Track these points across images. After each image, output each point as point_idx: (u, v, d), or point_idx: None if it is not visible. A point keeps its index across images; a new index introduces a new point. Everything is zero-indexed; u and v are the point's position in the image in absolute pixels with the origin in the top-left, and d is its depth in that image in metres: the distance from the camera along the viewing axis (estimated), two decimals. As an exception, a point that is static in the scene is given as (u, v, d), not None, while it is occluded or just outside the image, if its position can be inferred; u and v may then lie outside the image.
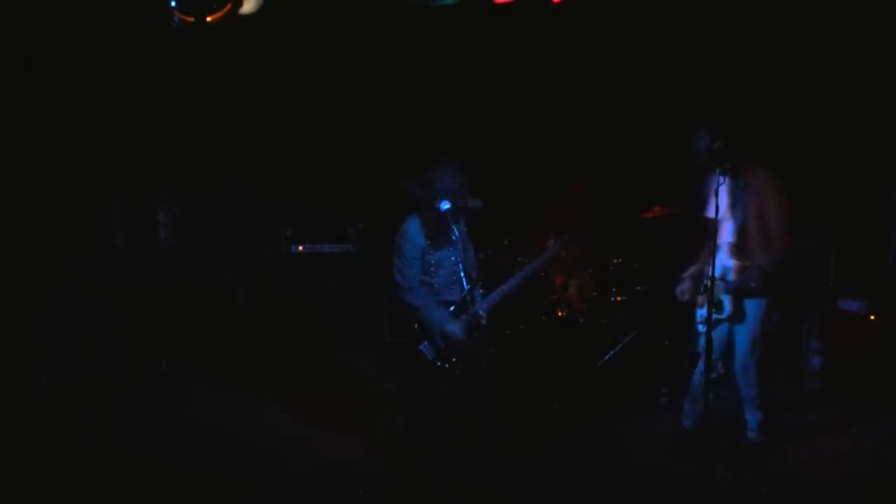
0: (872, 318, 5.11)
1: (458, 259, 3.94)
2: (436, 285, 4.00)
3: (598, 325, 5.09)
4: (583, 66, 5.99)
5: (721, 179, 3.85)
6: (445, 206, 3.79)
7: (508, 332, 5.42)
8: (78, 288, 5.57)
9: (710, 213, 3.94)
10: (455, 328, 3.91)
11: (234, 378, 5.59)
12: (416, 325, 3.97)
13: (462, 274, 3.92)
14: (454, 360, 3.98)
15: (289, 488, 4.04)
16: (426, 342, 3.96)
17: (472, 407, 4.13)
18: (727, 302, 4.01)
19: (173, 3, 4.31)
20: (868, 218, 5.63)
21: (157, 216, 5.57)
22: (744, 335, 4.07)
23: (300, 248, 6.16)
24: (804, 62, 5.48)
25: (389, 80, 6.15)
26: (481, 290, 4.18)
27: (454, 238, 3.91)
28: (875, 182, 5.57)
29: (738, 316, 4.03)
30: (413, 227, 3.98)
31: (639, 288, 5.33)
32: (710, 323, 4.03)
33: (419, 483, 4.07)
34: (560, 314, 5.03)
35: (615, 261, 5.25)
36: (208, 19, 4.28)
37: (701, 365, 4.22)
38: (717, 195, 3.79)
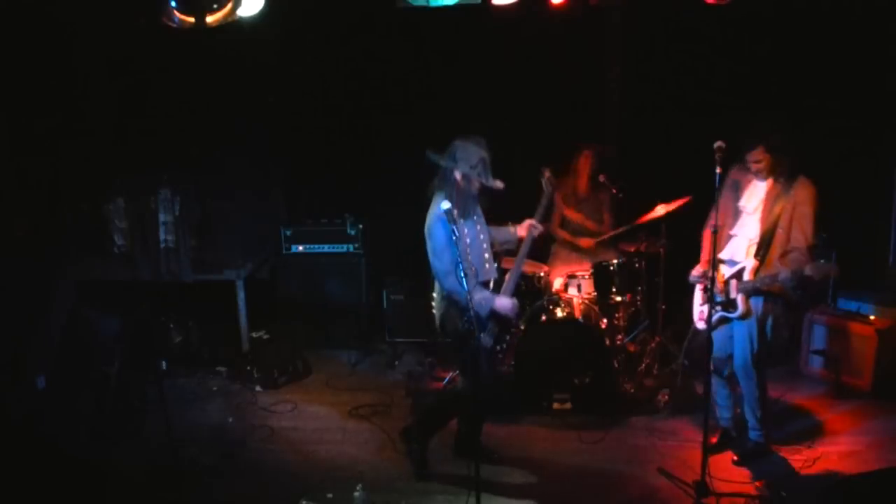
0: (873, 318, 5.11)
1: (484, 237, 3.96)
2: (471, 266, 3.82)
3: (599, 325, 5.08)
4: (581, 65, 6.01)
5: (762, 181, 3.97)
6: (446, 206, 3.73)
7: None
8: (77, 288, 5.57)
9: (747, 207, 4.01)
10: (505, 302, 3.88)
11: (234, 378, 5.60)
12: (463, 320, 3.78)
13: (489, 253, 3.95)
14: (506, 339, 4.06)
15: (289, 487, 4.05)
16: (481, 334, 3.84)
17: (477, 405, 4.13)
18: (740, 301, 4.01)
19: (173, 3, 4.30)
20: (869, 217, 5.63)
21: (158, 216, 5.56)
22: (746, 334, 4.06)
23: (300, 248, 6.17)
24: (804, 60, 5.49)
25: (390, 80, 6.16)
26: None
27: (478, 214, 3.93)
28: (876, 181, 5.58)
29: (747, 315, 4.02)
30: (441, 208, 3.75)
31: (639, 287, 5.33)
32: (711, 320, 4.04)
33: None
34: (560, 314, 5.03)
35: (615, 261, 5.24)
36: (208, 20, 4.27)
37: (727, 368, 4.24)
38: (716, 193, 3.82)
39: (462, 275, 3.59)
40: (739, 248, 4.06)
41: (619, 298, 5.25)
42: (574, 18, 5.34)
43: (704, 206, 4.06)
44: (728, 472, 4.06)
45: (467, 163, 3.79)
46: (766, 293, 3.98)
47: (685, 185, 4.86)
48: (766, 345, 4.08)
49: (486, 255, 4.01)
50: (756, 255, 3.97)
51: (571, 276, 5.37)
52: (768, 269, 3.93)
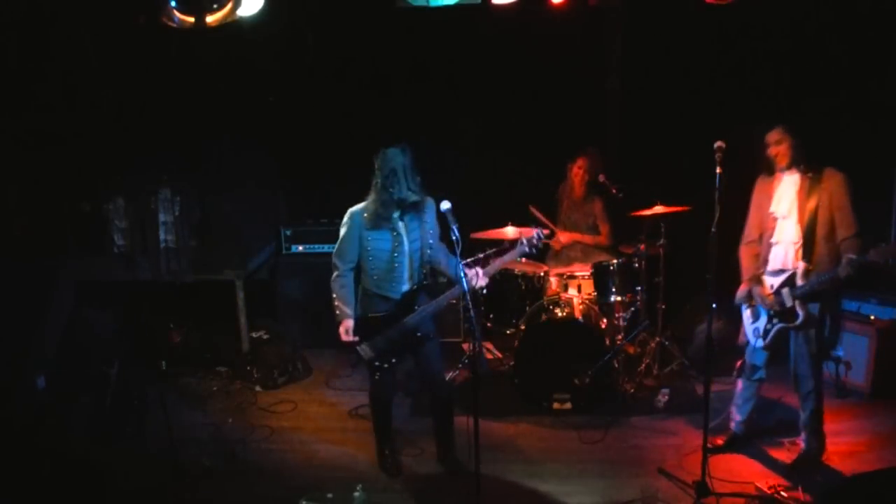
0: (873, 318, 5.10)
1: (401, 252, 3.88)
2: (373, 275, 3.94)
3: (599, 325, 5.08)
4: (581, 64, 6.01)
5: (794, 178, 3.89)
6: (446, 206, 3.64)
7: (508, 332, 5.42)
8: (77, 288, 5.57)
9: (778, 212, 3.93)
10: (342, 329, 3.93)
11: (234, 378, 5.60)
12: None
13: (405, 271, 3.89)
14: (393, 360, 4.00)
15: (289, 487, 4.04)
16: (364, 343, 3.94)
17: (434, 402, 4.17)
18: (799, 308, 3.86)
19: (173, 3, 4.30)
20: (869, 217, 5.61)
21: (158, 216, 5.57)
22: (805, 340, 3.94)
23: (300, 248, 6.17)
24: (803, 59, 5.49)
25: (390, 80, 6.16)
26: (425, 293, 4.04)
27: (394, 227, 3.86)
28: (877, 181, 5.57)
29: (811, 321, 3.88)
30: (358, 206, 3.95)
31: (639, 287, 5.33)
32: (768, 336, 4.02)
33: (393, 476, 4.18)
34: (560, 314, 5.03)
35: (614, 261, 5.24)
36: (208, 20, 4.27)
37: (761, 374, 4.21)
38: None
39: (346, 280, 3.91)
40: (783, 255, 3.94)
41: (618, 298, 5.25)
42: (574, 18, 5.34)
43: (705, 207, 4.04)
44: (728, 472, 4.05)
45: (381, 172, 3.81)
46: (822, 293, 3.85)
47: (686, 185, 4.86)
48: (823, 347, 4.00)
49: (394, 274, 3.91)
50: (804, 258, 3.85)
51: (571, 277, 5.37)
52: (820, 268, 3.80)
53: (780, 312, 3.94)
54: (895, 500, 3.37)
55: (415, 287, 3.96)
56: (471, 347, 5.39)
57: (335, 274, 3.97)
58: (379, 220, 3.86)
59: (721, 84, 5.66)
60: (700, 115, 5.53)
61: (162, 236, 5.58)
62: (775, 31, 5.48)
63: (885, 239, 5.62)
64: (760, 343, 4.07)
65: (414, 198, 3.81)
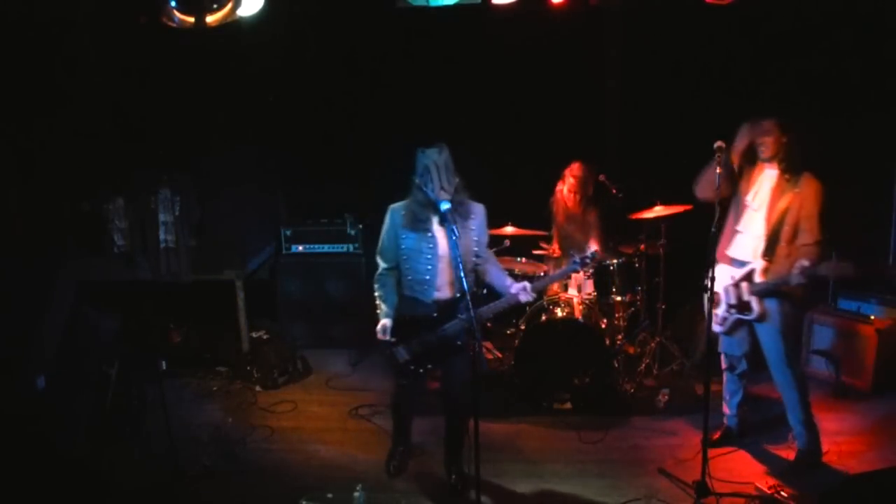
0: (873, 318, 5.11)
1: (435, 255, 3.76)
2: (408, 276, 3.84)
3: (599, 325, 5.08)
4: (581, 64, 6.02)
5: (773, 173, 3.91)
6: (445, 206, 3.63)
7: (508, 332, 5.42)
8: (77, 288, 5.57)
9: (750, 202, 3.95)
10: (378, 328, 3.83)
11: (234, 378, 5.60)
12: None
13: (438, 276, 3.78)
14: (429, 366, 3.89)
15: (289, 487, 4.04)
16: (401, 345, 3.85)
17: (450, 412, 4.09)
18: (754, 303, 3.93)
19: (173, 3, 4.30)
20: (869, 217, 5.63)
21: (158, 216, 5.57)
22: (770, 336, 3.99)
23: (300, 248, 6.16)
24: (803, 60, 5.49)
25: (390, 80, 6.16)
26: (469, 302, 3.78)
27: (430, 230, 3.76)
28: (876, 181, 5.57)
29: (764, 316, 3.95)
30: (398, 203, 3.87)
31: (639, 287, 5.33)
32: (726, 322, 4.06)
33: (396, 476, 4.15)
34: (560, 314, 5.03)
35: (615, 261, 5.24)
36: (208, 20, 4.27)
37: (742, 367, 4.25)
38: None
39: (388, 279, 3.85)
40: (746, 246, 3.99)
41: (619, 298, 5.25)
42: (574, 18, 5.33)
43: (705, 207, 4.05)
44: (728, 472, 4.06)
45: (417, 171, 3.74)
46: (779, 293, 3.89)
47: (686, 185, 4.85)
48: (795, 343, 4.03)
49: (427, 278, 3.78)
50: (764, 256, 3.90)
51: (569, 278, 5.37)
52: (778, 269, 3.84)
53: (737, 305, 4.00)
54: (895, 500, 3.37)
55: (457, 295, 3.80)
56: (471, 347, 5.38)
57: (377, 272, 3.93)
58: (415, 220, 3.77)
59: (721, 84, 5.66)
60: (700, 115, 5.52)
61: (162, 236, 5.58)
62: (775, 31, 5.47)
63: (885, 239, 5.63)
64: (719, 328, 4.14)
65: (447, 195, 3.66)
